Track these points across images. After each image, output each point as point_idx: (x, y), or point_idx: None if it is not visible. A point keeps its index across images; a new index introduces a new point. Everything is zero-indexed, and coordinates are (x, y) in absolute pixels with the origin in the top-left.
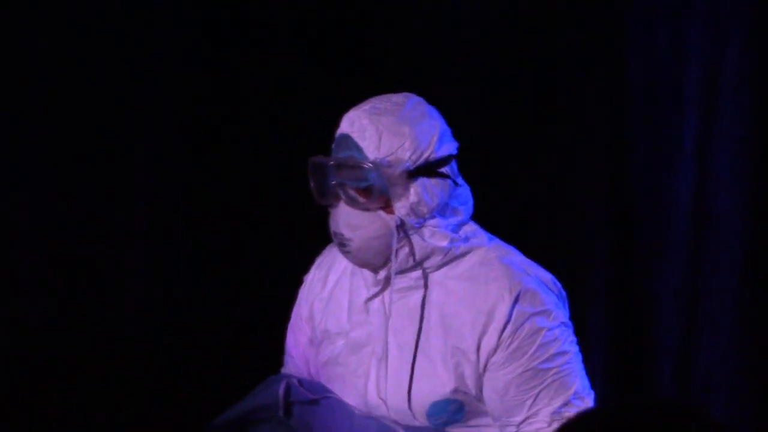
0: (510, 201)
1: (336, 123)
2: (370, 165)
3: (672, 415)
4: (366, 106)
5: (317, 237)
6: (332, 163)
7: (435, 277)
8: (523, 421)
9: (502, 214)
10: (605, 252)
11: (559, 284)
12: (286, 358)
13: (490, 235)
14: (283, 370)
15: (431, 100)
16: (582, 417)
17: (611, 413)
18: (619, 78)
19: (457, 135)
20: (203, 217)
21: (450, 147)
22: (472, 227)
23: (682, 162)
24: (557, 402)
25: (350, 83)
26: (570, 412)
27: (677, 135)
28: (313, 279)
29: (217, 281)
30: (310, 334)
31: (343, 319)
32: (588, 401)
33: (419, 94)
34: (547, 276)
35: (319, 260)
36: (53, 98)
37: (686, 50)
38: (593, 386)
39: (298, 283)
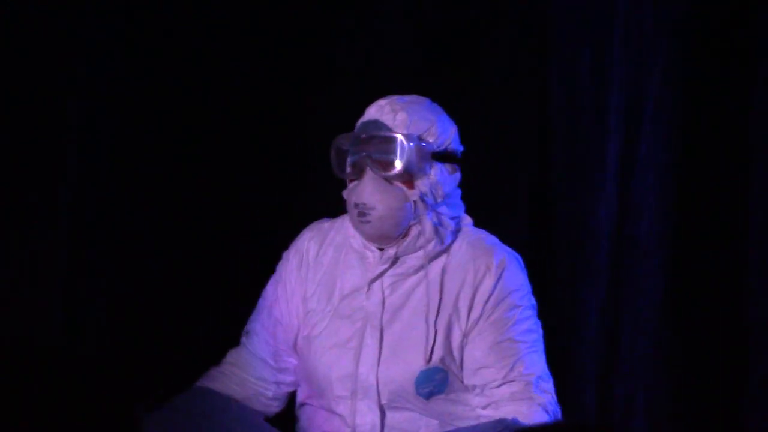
0: None
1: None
2: (402, 137)
3: None
4: (391, 98)
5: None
6: (364, 136)
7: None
8: (501, 385)
9: None
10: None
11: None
12: (250, 336)
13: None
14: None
15: None
16: None
17: None
18: (543, 103)
19: None
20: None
21: (460, 148)
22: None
23: (605, 187)
24: (529, 376)
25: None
26: (542, 386)
27: (600, 160)
28: (307, 252)
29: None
30: (298, 306)
31: (335, 295)
32: (550, 385)
33: None
34: (520, 259)
35: (308, 234)
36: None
37: (609, 78)
38: None
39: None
